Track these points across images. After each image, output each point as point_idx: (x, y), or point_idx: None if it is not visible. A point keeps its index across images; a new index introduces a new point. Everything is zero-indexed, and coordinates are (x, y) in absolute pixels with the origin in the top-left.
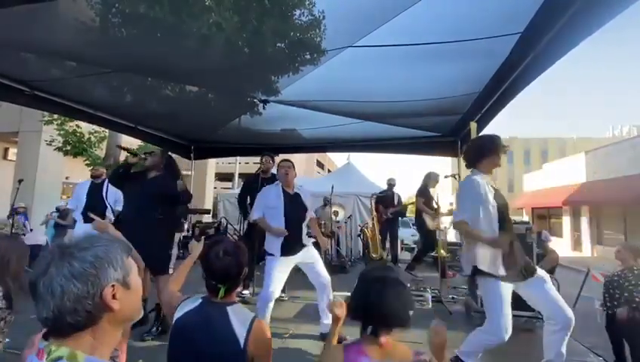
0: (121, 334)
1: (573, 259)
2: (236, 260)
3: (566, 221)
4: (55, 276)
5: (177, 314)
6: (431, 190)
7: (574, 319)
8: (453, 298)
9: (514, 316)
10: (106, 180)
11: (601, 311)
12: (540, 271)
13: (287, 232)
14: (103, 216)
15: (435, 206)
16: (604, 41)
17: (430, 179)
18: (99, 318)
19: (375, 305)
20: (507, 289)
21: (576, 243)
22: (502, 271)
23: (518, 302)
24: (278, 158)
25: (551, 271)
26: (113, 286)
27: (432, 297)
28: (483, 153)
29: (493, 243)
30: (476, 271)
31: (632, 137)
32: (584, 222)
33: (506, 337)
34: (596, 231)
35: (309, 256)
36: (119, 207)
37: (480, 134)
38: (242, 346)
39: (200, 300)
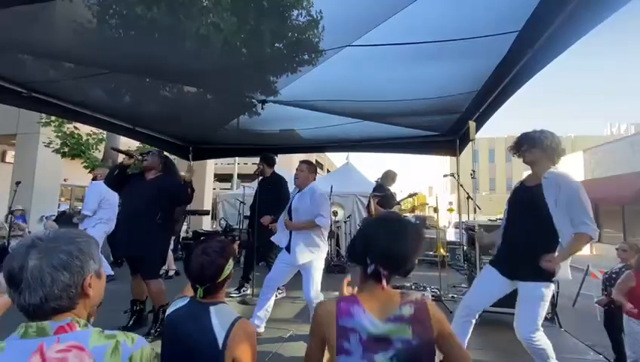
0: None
1: (572, 257)
2: (212, 261)
3: None
4: (44, 267)
5: (169, 310)
6: (391, 188)
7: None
8: (453, 297)
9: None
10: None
11: (600, 309)
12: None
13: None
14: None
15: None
16: (602, 38)
17: (387, 178)
18: (76, 304)
19: (373, 240)
20: None
21: None
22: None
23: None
24: (278, 159)
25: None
26: (91, 276)
27: (432, 296)
28: (557, 152)
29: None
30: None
31: (630, 135)
32: None
33: None
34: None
35: (305, 264)
36: (86, 211)
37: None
38: (220, 347)
39: (188, 298)
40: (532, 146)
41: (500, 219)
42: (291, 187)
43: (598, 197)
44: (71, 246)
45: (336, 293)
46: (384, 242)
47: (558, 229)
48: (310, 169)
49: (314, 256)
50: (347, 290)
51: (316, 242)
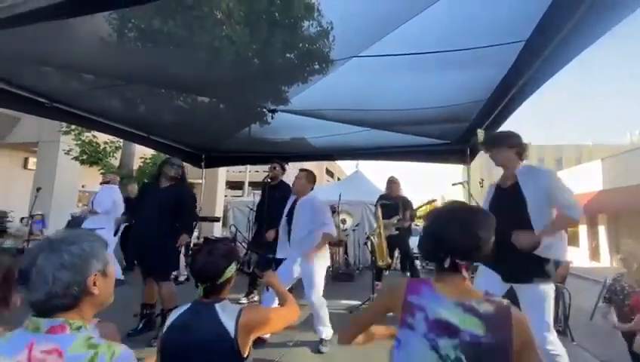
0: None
1: (591, 270)
2: (214, 261)
3: (582, 230)
4: (47, 266)
5: (168, 322)
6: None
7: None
8: None
9: None
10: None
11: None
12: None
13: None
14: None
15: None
16: (618, 42)
17: (387, 184)
18: (81, 301)
19: (443, 235)
20: None
21: (594, 253)
22: None
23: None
24: (290, 166)
25: (562, 280)
26: (95, 275)
27: None
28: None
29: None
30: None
31: None
32: (602, 231)
33: None
34: (615, 241)
35: (307, 268)
36: (100, 209)
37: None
38: (233, 335)
39: (190, 303)
40: (501, 148)
41: None
42: None
43: (619, 208)
44: (73, 247)
45: (343, 301)
46: (455, 235)
47: (533, 220)
48: (309, 178)
49: (316, 261)
50: (382, 333)
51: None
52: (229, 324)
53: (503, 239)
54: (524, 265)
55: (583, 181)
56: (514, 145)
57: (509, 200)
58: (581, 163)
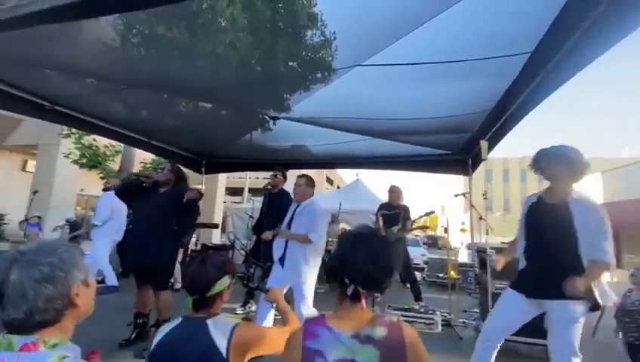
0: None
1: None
2: (205, 272)
3: None
4: (25, 280)
5: (157, 338)
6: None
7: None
8: (463, 322)
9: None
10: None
11: (621, 339)
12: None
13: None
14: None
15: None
16: (618, 57)
17: (389, 194)
18: (63, 315)
19: (349, 258)
20: None
21: None
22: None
23: (536, 329)
24: (289, 173)
25: None
26: (78, 285)
27: (442, 320)
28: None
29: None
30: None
31: None
32: None
33: None
34: (616, 255)
35: (297, 278)
36: (96, 221)
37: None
38: (225, 355)
39: (180, 319)
40: (551, 161)
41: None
42: None
43: (620, 221)
44: (52, 258)
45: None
46: (362, 260)
47: (582, 253)
48: (308, 183)
49: (306, 271)
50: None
51: (308, 257)
52: (221, 342)
53: (543, 256)
54: (560, 282)
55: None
56: (568, 161)
57: (554, 219)
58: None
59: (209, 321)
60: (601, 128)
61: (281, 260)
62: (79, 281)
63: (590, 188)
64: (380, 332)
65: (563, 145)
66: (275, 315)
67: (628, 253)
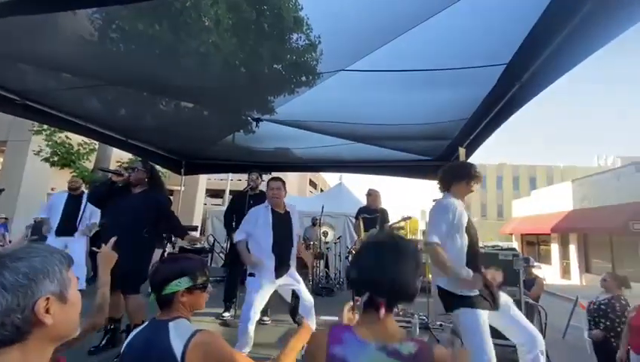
0: (51, 353)
1: (562, 287)
2: (162, 269)
3: (554, 248)
4: None
5: (127, 339)
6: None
7: (544, 342)
8: (441, 325)
9: (500, 346)
10: (84, 193)
11: (590, 341)
12: (503, 297)
13: (262, 263)
14: (75, 229)
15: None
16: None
17: (367, 197)
18: (28, 334)
19: (366, 269)
20: (485, 317)
21: (565, 271)
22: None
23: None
24: (269, 176)
25: (536, 299)
26: (48, 299)
27: (420, 324)
28: (454, 178)
29: (467, 283)
30: (452, 300)
31: (617, 167)
32: (572, 250)
33: None
34: (584, 259)
35: (292, 279)
36: (95, 219)
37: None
38: (179, 359)
39: (149, 321)
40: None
41: (488, 246)
42: None
43: (587, 227)
44: (19, 263)
45: (324, 318)
46: (373, 267)
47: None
48: (284, 186)
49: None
50: (348, 317)
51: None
52: (178, 346)
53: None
54: None
55: (555, 200)
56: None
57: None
58: (553, 183)
59: (171, 324)
60: (574, 138)
61: (269, 268)
62: (49, 294)
63: (561, 196)
64: (409, 348)
65: (452, 163)
66: (261, 321)
67: (595, 258)
